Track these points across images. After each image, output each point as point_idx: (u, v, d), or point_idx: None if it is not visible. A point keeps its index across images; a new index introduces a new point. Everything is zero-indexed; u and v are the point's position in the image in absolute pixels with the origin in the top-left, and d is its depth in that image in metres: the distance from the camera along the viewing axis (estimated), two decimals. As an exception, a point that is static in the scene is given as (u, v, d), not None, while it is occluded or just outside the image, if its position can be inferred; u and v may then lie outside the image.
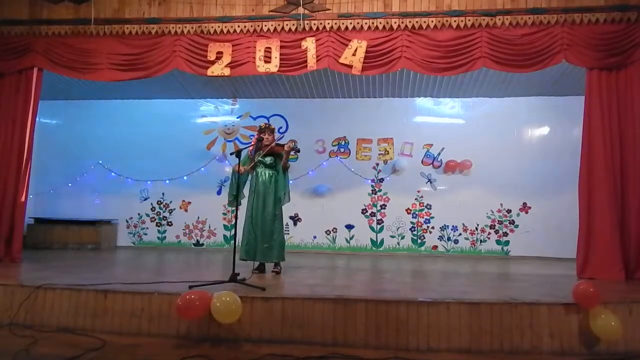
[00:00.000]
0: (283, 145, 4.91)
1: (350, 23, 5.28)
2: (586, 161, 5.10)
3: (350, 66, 5.25)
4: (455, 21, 5.18)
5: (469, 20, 5.16)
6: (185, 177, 8.15)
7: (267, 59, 5.31)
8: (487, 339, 3.40)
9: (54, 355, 3.04)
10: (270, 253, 4.85)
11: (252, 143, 5.05)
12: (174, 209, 8.18)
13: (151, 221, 8.19)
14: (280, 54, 5.31)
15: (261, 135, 4.96)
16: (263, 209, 4.86)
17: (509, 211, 7.67)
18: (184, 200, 8.17)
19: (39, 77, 5.72)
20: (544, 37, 5.08)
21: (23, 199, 5.54)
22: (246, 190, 5.08)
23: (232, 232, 7.72)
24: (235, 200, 4.87)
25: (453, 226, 7.74)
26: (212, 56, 5.36)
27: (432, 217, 7.79)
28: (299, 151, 5.06)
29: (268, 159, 4.95)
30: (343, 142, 8.06)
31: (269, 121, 7.83)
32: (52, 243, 7.47)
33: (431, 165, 7.88)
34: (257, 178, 4.94)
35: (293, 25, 5.34)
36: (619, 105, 5.08)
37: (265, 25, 5.37)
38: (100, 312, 3.67)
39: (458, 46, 5.18)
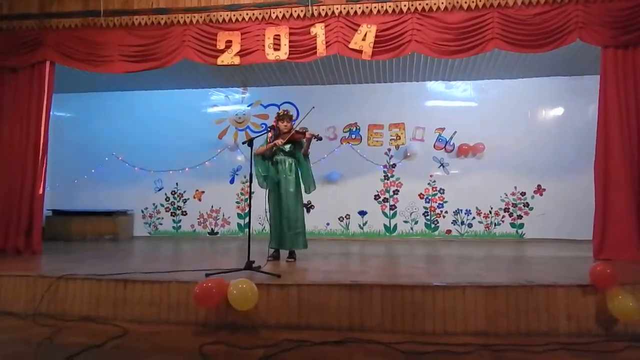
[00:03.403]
0: (304, 132, 4.83)
1: (359, 7, 5.20)
2: (602, 141, 5.01)
3: (360, 51, 5.20)
4: (465, 2, 5.08)
5: (480, 0, 5.05)
6: (198, 167, 8.21)
7: (277, 47, 5.28)
8: (503, 322, 3.39)
9: (77, 343, 3.07)
10: (296, 240, 4.86)
11: (270, 130, 4.97)
12: (188, 199, 8.26)
13: (166, 211, 8.29)
14: (290, 41, 5.27)
15: (279, 123, 4.93)
16: (286, 197, 4.84)
17: (523, 194, 7.61)
18: (197, 190, 8.25)
19: (52, 71, 5.76)
20: (558, 16, 4.97)
21: (41, 191, 5.62)
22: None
23: (246, 220, 7.81)
24: (265, 181, 4.85)
25: (467, 210, 7.71)
26: (221, 45, 5.35)
27: (446, 202, 7.76)
28: (321, 139, 4.93)
29: (287, 147, 4.90)
30: (354, 129, 8.03)
31: (279, 109, 7.79)
32: (71, 235, 7.58)
33: (443, 150, 7.83)
34: (277, 166, 4.91)
35: (301, 11, 5.28)
36: (635, 84, 4.97)
37: (274, 13, 5.33)
38: (120, 301, 3.72)
39: (469, 28, 5.09)
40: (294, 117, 5.13)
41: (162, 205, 8.31)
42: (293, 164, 4.93)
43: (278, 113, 5.05)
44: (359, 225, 7.91)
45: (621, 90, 4.98)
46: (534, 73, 7.34)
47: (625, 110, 4.96)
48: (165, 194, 8.31)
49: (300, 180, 4.97)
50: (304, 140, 4.86)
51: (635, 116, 4.96)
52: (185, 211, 8.26)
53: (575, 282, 3.55)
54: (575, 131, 7.26)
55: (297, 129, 4.87)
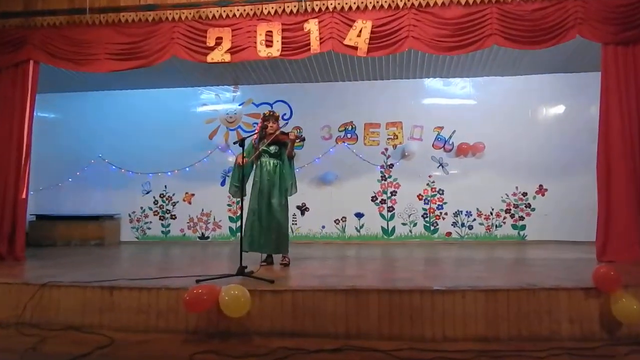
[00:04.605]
0: (288, 134, 4.80)
1: (354, 3, 5.14)
2: (604, 140, 4.96)
3: (355, 48, 5.13)
4: (463, -3, 5.03)
5: (478, -5, 5.01)
6: (187, 169, 8.07)
7: (269, 43, 5.20)
8: (504, 326, 3.35)
9: (62, 353, 3.04)
10: (275, 245, 4.77)
11: (256, 131, 4.91)
12: (177, 202, 8.12)
13: (154, 215, 8.14)
14: (282, 38, 5.19)
15: (265, 123, 4.86)
16: (268, 200, 4.76)
17: (524, 194, 7.52)
18: (187, 193, 8.10)
19: (36, 71, 5.65)
20: (557, 12, 4.93)
21: (24, 195, 5.50)
22: (250, 181, 4.96)
23: (238, 224, 7.67)
24: (238, 190, 4.76)
25: (467, 211, 7.60)
26: (211, 42, 5.26)
27: (445, 203, 7.66)
28: (304, 139, 4.92)
29: (272, 148, 4.84)
30: (350, 128, 7.92)
31: (272, 108, 7.71)
32: (55, 240, 7.45)
33: (442, 149, 7.73)
34: (262, 168, 4.84)
35: (294, 7, 5.21)
36: (636, 81, 4.93)
37: (266, 8, 5.24)
38: (107, 308, 3.66)
39: (467, 23, 5.03)
40: (280, 117, 5.04)
41: (150, 208, 8.14)
42: (278, 165, 4.86)
43: (264, 113, 4.99)
44: (356, 228, 7.79)
45: (622, 88, 4.93)
46: (534, 70, 7.27)
47: (626, 108, 4.90)
48: (154, 197, 8.14)
49: (282, 181, 4.86)
50: (289, 141, 4.80)
51: (636, 113, 4.90)
52: (174, 215, 8.10)
53: (578, 284, 3.53)
54: (577, 129, 7.19)
55: (290, 130, 4.82)
